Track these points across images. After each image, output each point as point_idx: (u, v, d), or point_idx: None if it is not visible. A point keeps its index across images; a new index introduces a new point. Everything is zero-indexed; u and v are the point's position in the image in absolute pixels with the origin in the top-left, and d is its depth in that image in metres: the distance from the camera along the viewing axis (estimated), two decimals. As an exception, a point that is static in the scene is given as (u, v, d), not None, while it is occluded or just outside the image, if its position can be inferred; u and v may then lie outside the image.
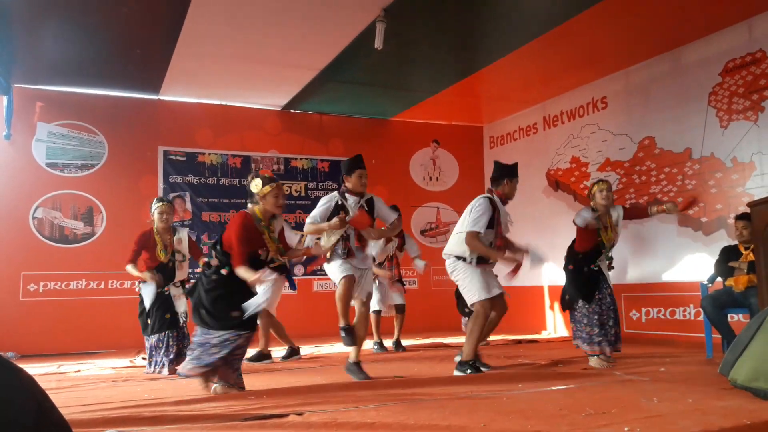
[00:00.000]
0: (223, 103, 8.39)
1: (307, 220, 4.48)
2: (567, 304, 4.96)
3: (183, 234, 5.33)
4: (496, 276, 5.00)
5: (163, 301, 5.11)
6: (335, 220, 4.31)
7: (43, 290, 7.24)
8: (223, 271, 3.80)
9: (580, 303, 4.83)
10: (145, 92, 7.85)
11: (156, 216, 5.18)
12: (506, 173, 4.75)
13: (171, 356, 5.02)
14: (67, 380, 4.82)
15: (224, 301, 3.77)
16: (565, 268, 5.05)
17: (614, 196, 5.06)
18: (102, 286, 7.45)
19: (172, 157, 8.02)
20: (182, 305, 5.18)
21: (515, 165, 4.85)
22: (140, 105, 7.95)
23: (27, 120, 7.42)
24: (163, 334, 5.05)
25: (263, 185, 3.86)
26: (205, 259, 4.08)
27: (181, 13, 5.49)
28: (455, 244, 4.69)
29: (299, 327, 7.23)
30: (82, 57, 6.60)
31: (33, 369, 5.24)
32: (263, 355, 5.73)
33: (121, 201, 7.65)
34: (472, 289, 4.61)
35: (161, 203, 5.24)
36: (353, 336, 4.42)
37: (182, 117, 8.18)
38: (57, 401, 1.48)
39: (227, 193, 8.21)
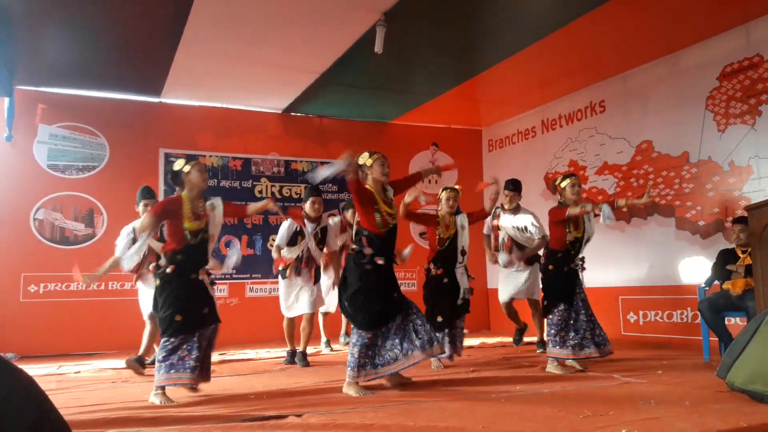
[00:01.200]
0: (224, 105, 8.41)
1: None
2: (548, 308, 4.79)
3: (218, 202, 4.00)
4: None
5: (193, 291, 3.81)
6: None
7: (43, 291, 7.24)
8: (379, 261, 3.92)
9: (561, 306, 4.69)
10: (147, 95, 7.87)
11: (195, 174, 3.86)
12: (504, 187, 5.97)
13: (190, 365, 3.69)
14: (66, 381, 4.84)
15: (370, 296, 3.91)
16: (545, 269, 4.91)
17: (583, 192, 5.35)
18: (102, 287, 7.46)
19: (173, 160, 8.03)
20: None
21: (508, 180, 6.07)
22: (142, 107, 7.97)
23: (29, 122, 7.43)
24: (184, 336, 3.74)
25: (369, 156, 4.12)
26: (354, 247, 4.02)
27: (183, 17, 5.51)
28: None
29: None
30: (84, 59, 6.62)
31: (33, 370, 5.24)
32: (142, 361, 5.15)
33: (121, 203, 7.64)
34: None
35: (194, 161, 3.97)
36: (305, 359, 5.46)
37: (183, 119, 8.20)
38: (57, 402, 1.50)
39: (228, 196, 8.20)
